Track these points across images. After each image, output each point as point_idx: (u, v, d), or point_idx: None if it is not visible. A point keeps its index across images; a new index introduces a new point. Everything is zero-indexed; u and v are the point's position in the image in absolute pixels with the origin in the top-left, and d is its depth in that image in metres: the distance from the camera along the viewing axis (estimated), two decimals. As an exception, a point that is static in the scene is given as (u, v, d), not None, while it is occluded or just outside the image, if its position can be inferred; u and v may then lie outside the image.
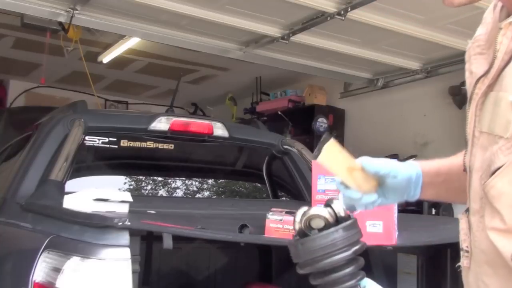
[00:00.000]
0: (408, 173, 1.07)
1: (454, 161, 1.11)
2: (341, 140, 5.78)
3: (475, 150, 0.93)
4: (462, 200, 1.14)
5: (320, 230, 0.85)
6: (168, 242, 1.51)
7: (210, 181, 3.46)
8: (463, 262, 0.96)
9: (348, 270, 0.83)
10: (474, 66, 0.99)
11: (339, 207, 0.88)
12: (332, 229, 0.84)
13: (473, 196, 0.92)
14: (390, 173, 1.04)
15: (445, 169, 1.13)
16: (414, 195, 1.09)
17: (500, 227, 0.84)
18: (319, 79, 5.80)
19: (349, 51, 4.42)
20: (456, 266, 1.00)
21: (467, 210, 0.96)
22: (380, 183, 1.04)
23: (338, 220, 0.87)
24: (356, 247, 0.84)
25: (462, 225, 0.97)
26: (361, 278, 0.84)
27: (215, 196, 3.41)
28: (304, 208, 0.88)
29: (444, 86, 4.64)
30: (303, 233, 0.86)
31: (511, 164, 0.83)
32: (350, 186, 0.96)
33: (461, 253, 0.97)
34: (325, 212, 0.86)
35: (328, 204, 0.88)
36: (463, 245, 0.96)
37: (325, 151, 0.89)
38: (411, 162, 1.07)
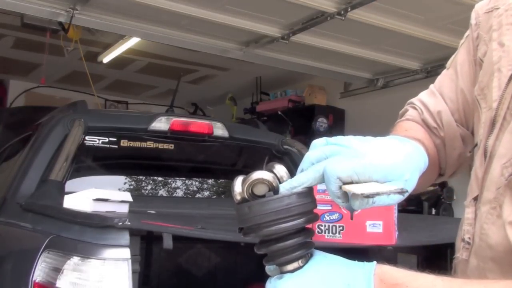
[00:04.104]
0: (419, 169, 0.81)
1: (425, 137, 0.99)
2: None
3: (502, 134, 0.82)
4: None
5: (263, 197, 0.74)
6: (168, 242, 1.50)
7: (210, 181, 3.46)
8: (462, 254, 0.88)
9: (296, 239, 0.74)
10: (507, 38, 0.86)
11: (282, 172, 0.76)
12: (286, 192, 0.73)
13: (489, 184, 0.82)
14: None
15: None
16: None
17: None
18: (319, 79, 5.80)
19: (349, 51, 4.42)
20: (453, 257, 0.92)
21: (476, 199, 0.86)
22: None
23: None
24: (309, 216, 0.74)
25: (468, 214, 0.87)
26: (310, 248, 0.75)
27: (215, 196, 3.41)
28: (241, 177, 0.76)
29: (444, 86, 4.64)
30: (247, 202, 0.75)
31: None
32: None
33: (461, 244, 0.88)
34: (269, 177, 0.74)
35: (270, 169, 0.77)
36: (465, 236, 0.87)
37: None
38: (418, 147, 0.84)
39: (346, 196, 0.73)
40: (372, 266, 0.71)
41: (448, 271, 0.92)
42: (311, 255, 0.75)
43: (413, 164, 0.79)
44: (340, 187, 0.72)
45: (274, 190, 0.74)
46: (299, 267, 0.74)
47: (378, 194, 0.71)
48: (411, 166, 0.77)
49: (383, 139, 0.81)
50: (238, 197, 0.75)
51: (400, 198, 0.74)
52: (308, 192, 0.75)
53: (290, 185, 0.74)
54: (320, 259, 0.74)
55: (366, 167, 0.72)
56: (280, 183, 0.75)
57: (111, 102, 7.53)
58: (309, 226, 0.77)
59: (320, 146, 0.77)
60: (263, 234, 0.74)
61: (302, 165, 0.77)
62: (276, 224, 0.72)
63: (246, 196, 0.74)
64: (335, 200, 0.74)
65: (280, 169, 0.77)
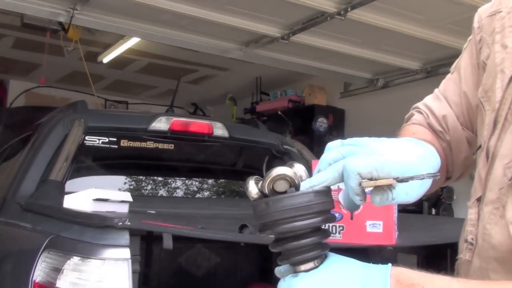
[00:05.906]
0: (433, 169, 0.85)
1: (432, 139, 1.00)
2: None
3: (504, 135, 0.83)
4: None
5: (284, 193, 0.73)
6: (168, 242, 1.50)
7: (210, 181, 3.46)
8: (465, 255, 0.88)
9: (313, 238, 0.73)
10: (510, 40, 0.88)
11: (301, 171, 0.76)
12: (305, 190, 0.73)
13: (491, 185, 0.83)
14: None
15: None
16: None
17: None
18: (319, 79, 5.80)
19: (349, 51, 4.42)
20: (456, 258, 0.93)
21: (479, 199, 0.87)
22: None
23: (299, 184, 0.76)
24: (326, 216, 0.74)
25: (471, 215, 0.88)
26: (326, 249, 0.75)
27: (215, 196, 3.41)
28: (253, 177, 0.75)
29: (444, 86, 4.64)
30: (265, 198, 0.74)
31: None
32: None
33: (464, 245, 0.89)
34: (291, 173, 0.74)
35: (289, 167, 0.76)
36: (468, 236, 0.88)
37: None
38: (431, 148, 0.87)
39: (364, 193, 0.74)
40: (388, 267, 0.72)
41: (448, 271, 0.92)
42: (326, 257, 0.75)
43: (427, 163, 0.81)
44: (360, 184, 0.72)
45: (296, 187, 0.74)
46: (314, 267, 0.73)
47: (412, 178, 0.72)
48: (426, 165, 0.80)
49: (396, 140, 0.83)
50: (255, 194, 0.74)
51: (424, 189, 0.78)
52: (327, 191, 0.75)
53: (310, 184, 0.74)
54: (336, 259, 0.74)
55: (385, 163, 0.72)
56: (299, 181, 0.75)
57: (111, 102, 7.53)
58: (325, 227, 0.77)
59: (335, 148, 0.78)
60: (279, 231, 0.73)
61: (319, 166, 0.77)
62: (295, 221, 0.72)
63: (267, 192, 0.74)
64: (353, 197, 0.74)
65: (299, 168, 0.76)
